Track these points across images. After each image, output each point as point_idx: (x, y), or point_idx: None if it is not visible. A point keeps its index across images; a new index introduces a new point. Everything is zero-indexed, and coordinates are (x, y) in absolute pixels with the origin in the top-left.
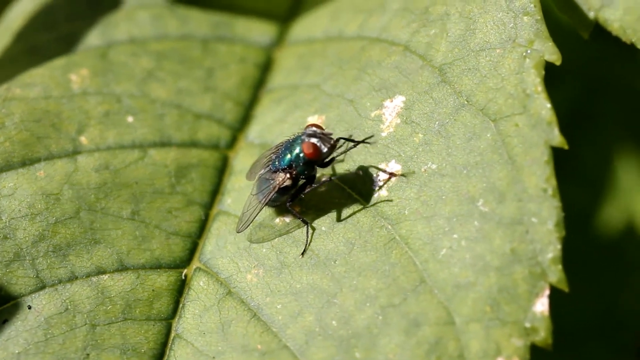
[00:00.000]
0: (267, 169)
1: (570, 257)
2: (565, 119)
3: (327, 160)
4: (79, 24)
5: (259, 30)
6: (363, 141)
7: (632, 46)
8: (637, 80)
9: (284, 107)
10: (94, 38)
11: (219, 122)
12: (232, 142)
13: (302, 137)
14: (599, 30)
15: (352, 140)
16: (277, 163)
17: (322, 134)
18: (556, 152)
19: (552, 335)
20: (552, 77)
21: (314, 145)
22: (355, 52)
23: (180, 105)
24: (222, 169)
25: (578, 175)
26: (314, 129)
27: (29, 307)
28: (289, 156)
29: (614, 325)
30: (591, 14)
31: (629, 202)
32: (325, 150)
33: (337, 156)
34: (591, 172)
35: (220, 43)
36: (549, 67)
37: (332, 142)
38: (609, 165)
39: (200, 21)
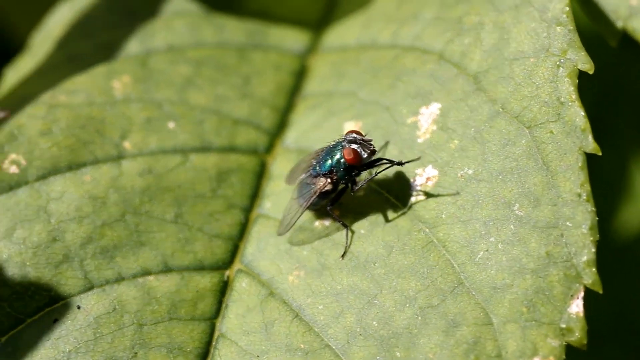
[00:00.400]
0: (308, 173)
1: None
2: None
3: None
4: (118, 32)
5: (293, 38)
6: (404, 162)
7: None
8: None
9: (320, 113)
10: (132, 46)
11: (256, 127)
12: (270, 147)
13: (343, 143)
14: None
15: (397, 162)
16: (317, 168)
17: (362, 140)
18: None
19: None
20: None
21: (354, 151)
22: (389, 60)
23: (219, 111)
24: (260, 174)
25: (594, 179)
26: (354, 135)
27: (78, 307)
28: (329, 161)
29: (626, 328)
30: (619, 23)
31: None
32: (365, 156)
33: (382, 170)
34: (607, 176)
35: (255, 51)
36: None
37: (372, 148)
38: (625, 169)
39: (235, 29)
